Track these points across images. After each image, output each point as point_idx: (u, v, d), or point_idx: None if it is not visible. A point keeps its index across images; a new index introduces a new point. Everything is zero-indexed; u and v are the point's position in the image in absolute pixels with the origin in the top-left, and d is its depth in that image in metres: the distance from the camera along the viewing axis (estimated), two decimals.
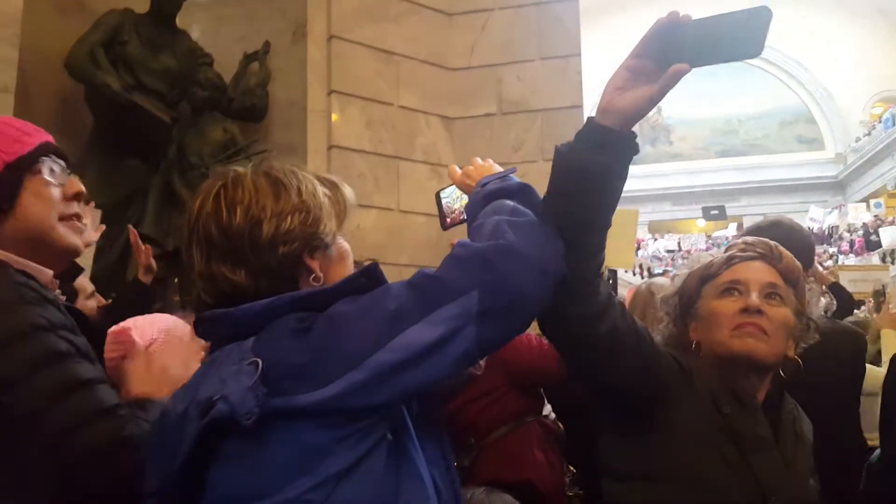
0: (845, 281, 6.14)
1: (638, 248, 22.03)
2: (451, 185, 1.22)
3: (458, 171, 1.18)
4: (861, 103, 24.00)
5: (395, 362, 0.76)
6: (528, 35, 4.25)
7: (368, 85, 4.18)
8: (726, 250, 1.18)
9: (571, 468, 2.05)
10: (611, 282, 4.20)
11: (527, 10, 4.26)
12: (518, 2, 4.26)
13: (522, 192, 0.99)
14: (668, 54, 0.81)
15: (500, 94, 4.38)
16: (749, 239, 1.20)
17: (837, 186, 24.03)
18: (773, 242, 1.18)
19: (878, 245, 17.42)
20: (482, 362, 1.65)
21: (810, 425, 1.17)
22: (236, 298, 0.85)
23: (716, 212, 21.54)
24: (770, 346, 1.06)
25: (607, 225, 0.92)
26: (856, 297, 5.93)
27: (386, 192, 4.10)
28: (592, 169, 0.87)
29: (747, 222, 24.15)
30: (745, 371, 1.08)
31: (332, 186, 0.99)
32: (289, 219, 0.88)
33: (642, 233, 23.82)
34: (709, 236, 22.61)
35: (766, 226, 1.83)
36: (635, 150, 0.89)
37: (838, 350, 1.72)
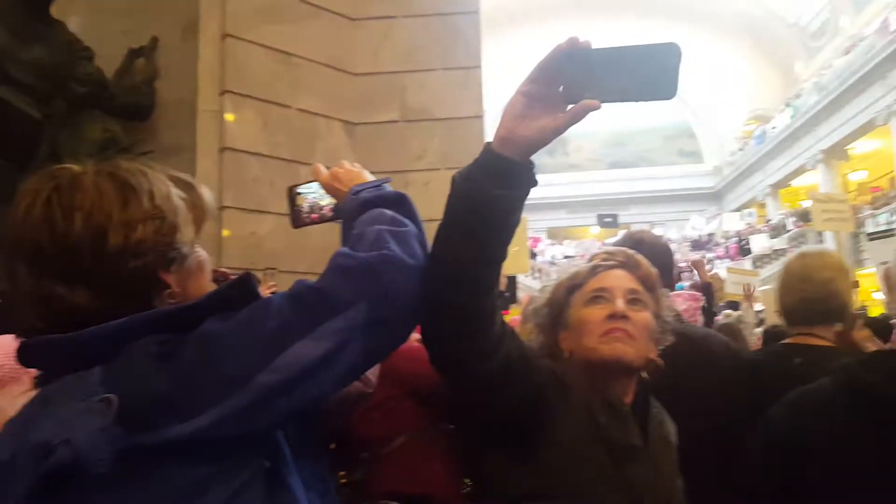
0: (728, 283, 6.61)
1: (535, 255, 22.78)
2: (311, 182, 1.18)
3: (324, 170, 1.14)
4: (736, 120, 26.15)
5: (279, 383, 0.71)
6: (431, 44, 4.26)
7: (265, 86, 4.03)
8: (590, 260, 1.22)
9: (466, 482, 2.01)
10: (507, 292, 4.28)
11: (429, 20, 4.27)
12: (421, 11, 4.27)
13: (400, 203, 0.97)
14: (572, 83, 0.76)
15: (403, 102, 4.36)
16: (610, 249, 1.25)
17: (715, 197, 25.97)
18: (631, 251, 1.24)
19: (750, 251, 18.98)
20: (373, 379, 1.60)
21: (674, 427, 1.21)
22: (74, 322, 0.73)
23: (609, 220, 22.68)
24: (636, 350, 1.10)
25: (504, 258, 0.89)
26: (731, 298, 6.38)
27: (282, 197, 3.94)
28: (494, 204, 0.83)
29: (636, 230, 25.67)
30: (615, 375, 1.11)
31: (188, 187, 0.89)
32: (140, 228, 0.76)
33: (543, 238, 24.65)
34: (602, 243, 23.70)
35: (629, 241, 1.88)
36: (535, 182, 0.85)
37: (711, 353, 1.77)
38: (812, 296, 1.71)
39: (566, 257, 23.22)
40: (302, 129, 4.13)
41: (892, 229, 10.47)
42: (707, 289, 4.43)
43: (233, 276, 0.87)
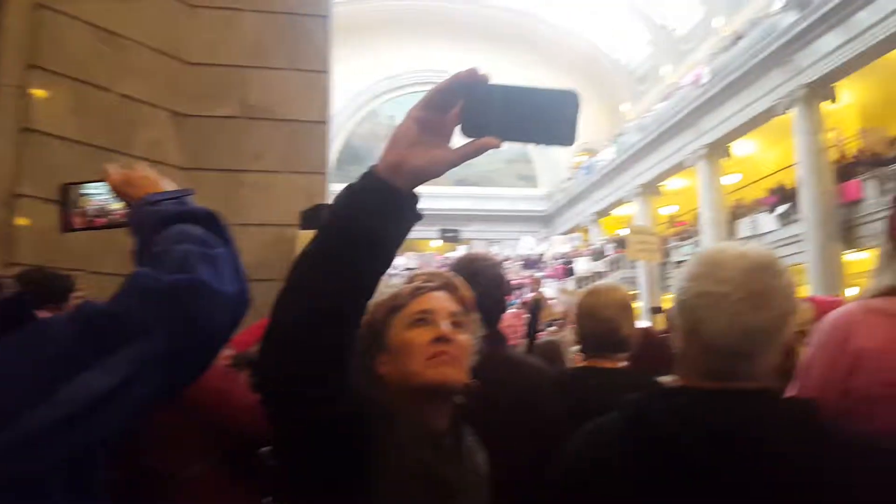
0: (556, 303, 7.09)
1: None
2: (97, 182, 1.07)
3: (117, 171, 1.03)
4: (568, 151, 28.33)
5: (61, 418, 0.62)
6: (278, 42, 4.11)
7: (83, 65, 3.63)
8: (410, 281, 1.18)
9: None
10: None
11: (277, 18, 4.12)
12: (268, 6, 4.10)
13: (210, 221, 0.89)
14: (471, 117, 0.71)
15: (243, 98, 4.15)
16: (430, 270, 1.23)
17: (547, 220, 27.90)
18: (450, 273, 1.24)
19: (573, 273, 20.61)
20: None
21: (485, 456, 1.19)
22: None
23: (451, 234, 23.42)
24: (460, 373, 1.09)
25: (375, 290, 0.84)
26: (557, 317, 6.84)
27: None
28: (376, 236, 0.76)
29: (476, 246, 26.74)
30: (438, 401, 1.09)
31: None
32: None
33: None
34: (441, 256, 24.33)
35: (465, 268, 1.88)
36: (420, 216, 0.79)
37: (526, 378, 1.83)
38: (598, 330, 1.97)
39: (407, 269, 23.57)
40: (121, 115, 3.77)
41: None
42: (535, 306, 4.71)
43: (6, 291, 0.75)
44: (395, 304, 1.14)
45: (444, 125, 0.74)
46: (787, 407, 1.06)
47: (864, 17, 11.25)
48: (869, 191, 11.66)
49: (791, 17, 12.98)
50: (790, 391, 1.26)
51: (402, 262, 23.66)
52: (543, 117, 0.71)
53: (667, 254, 18.30)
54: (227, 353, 1.92)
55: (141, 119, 3.88)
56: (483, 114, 0.71)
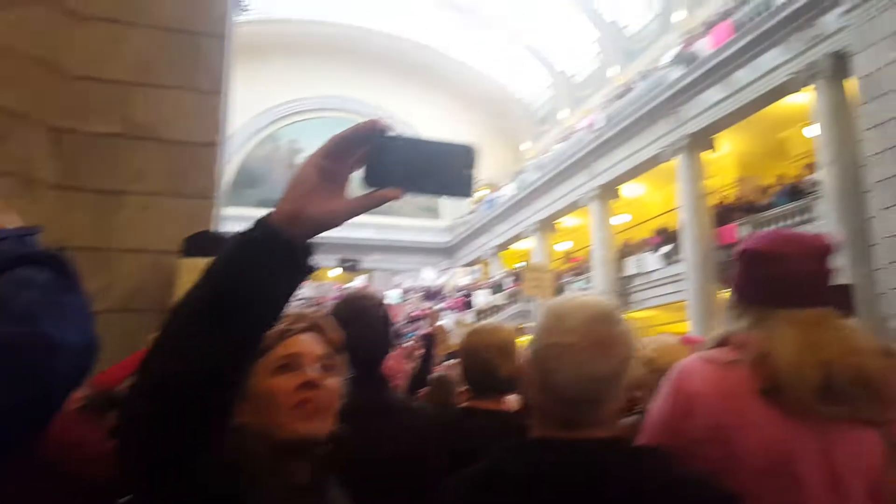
0: (454, 336, 7.11)
1: None
2: None
3: None
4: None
5: None
6: (169, 60, 3.94)
7: None
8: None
9: None
10: None
11: (169, 35, 3.96)
12: (160, 22, 3.94)
13: (55, 265, 0.81)
14: (373, 167, 0.72)
15: (127, 115, 3.92)
16: (297, 312, 1.16)
17: (448, 252, 28.24)
18: (319, 314, 1.19)
19: (472, 305, 20.92)
20: None
21: None
22: None
23: (351, 264, 23.19)
24: (327, 423, 1.04)
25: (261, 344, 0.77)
26: (455, 349, 6.87)
27: None
28: (268, 292, 0.71)
29: (377, 276, 26.60)
30: (303, 453, 1.03)
31: None
32: None
33: None
34: (339, 286, 23.97)
35: (347, 310, 1.84)
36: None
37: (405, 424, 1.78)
38: (479, 371, 1.98)
39: (302, 299, 23.00)
40: None
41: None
42: (429, 340, 4.71)
43: None
44: (259, 349, 1.08)
45: (343, 174, 0.72)
46: (637, 456, 1.13)
47: (742, 76, 12.40)
48: (744, 235, 12.71)
49: (678, 71, 14.09)
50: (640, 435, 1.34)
51: (302, 291, 23.12)
52: (442, 169, 0.72)
53: (562, 289, 19.00)
54: (82, 392, 1.77)
55: (9, 132, 3.58)
56: (385, 164, 0.71)
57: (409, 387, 4.50)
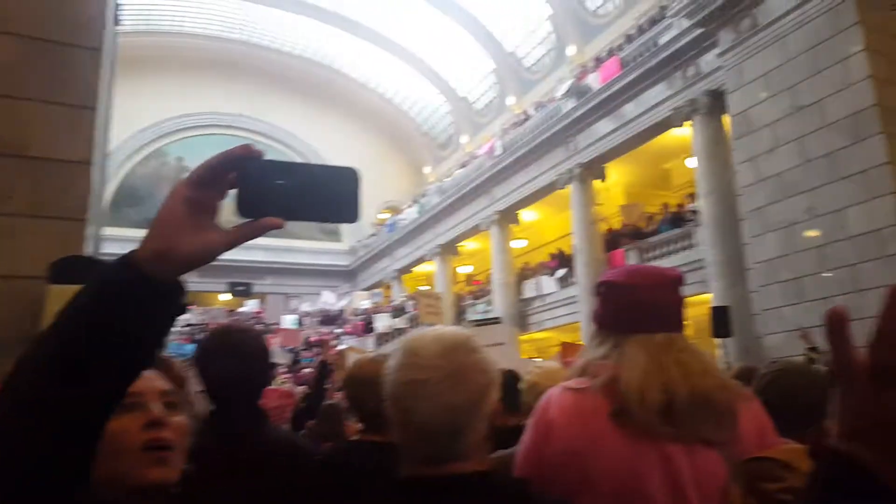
0: (349, 363, 6.98)
1: None
2: None
3: None
4: (372, 208, 28.92)
5: None
6: (35, 72, 3.67)
7: None
8: None
9: None
10: None
11: (37, 45, 3.69)
12: (26, 31, 3.67)
13: None
14: (248, 195, 0.67)
15: None
16: None
17: (349, 275, 27.91)
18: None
19: (373, 329, 20.73)
20: None
21: None
22: None
23: (242, 288, 22.34)
24: (177, 465, 0.99)
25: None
26: None
27: None
28: (131, 341, 0.65)
29: (271, 300, 25.80)
30: (152, 497, 0.97)
31: None
32: None
33: None
34: (231, 311, 23.06)
35: (217, 334, 1.81)
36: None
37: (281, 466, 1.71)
38: (366, 405, 1.90)
39: (189, 325, 21.87)
40: None
41: (487, 319, 12.69)
42: (324, 367, 4.59)
43: None
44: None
45: (213, 204, 0.67)
46: (503, 487, 1.15)
47: (630, 109, 13.22)
48: (631, 259, 13.43)
49: (571, 103, 14.81)
50: None
51: (188, 316, 21.99)
52: (325, 194, 0.69)
53: (464, 311, 19.28)
54: None
55: None
56: (261, 192, 0.67)
57: (296, 417, 4.36)
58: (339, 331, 21.88)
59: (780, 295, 8.99)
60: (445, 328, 1.19)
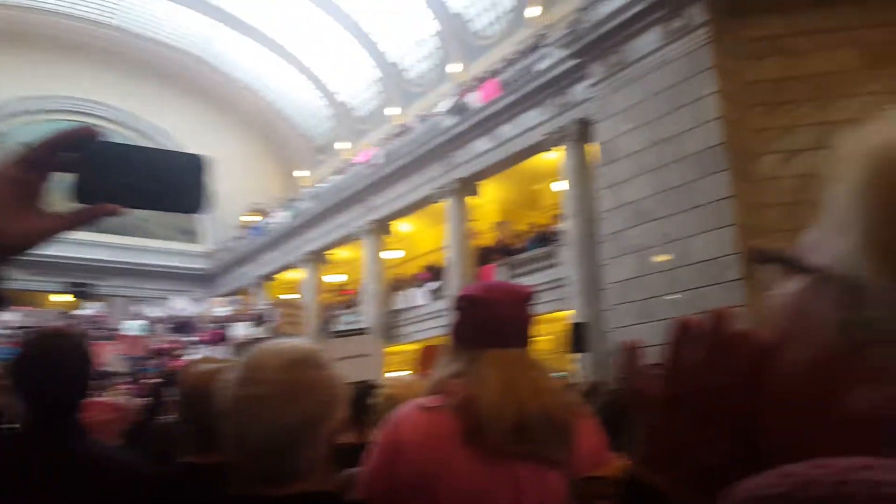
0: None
1: None
2: None
3: None
4: (237, 209, 27.79)
5: None
6: None
7: None
8: None
9: None
10: None
11: None
12: None
13: None
14: (83, 178, 0.63)
15: None
16: None
17: (207, 279, 26.51)
18: None
19: (230, 338, 19.84)
20: None
21: None
22: None
23: (82, 289, 20.46)
24: None
25: None
26: None
27: None
28: None
29: (117, 302, 23.91)
30: None
31: None
32: None
33: None
34: (64, 313, 21.13)
35: (34, 338, 1.72)
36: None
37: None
38: (199, 423, 1.79)
39: (21, 327, 19.75)
40: None
41: (352, 329, 12.57)
42: (167, 378, 4.26)
43: None
44: None
45: (37, 186, 0.62)
46: None
47: (506, 130, 13.82)
48: (501, 275, 13.96)
49: (452, 120, 15.23)
50: None
51: (15, 318, 19.84)
52: (166, 181, 0.66)
53: (330, 320, 19.01)
54: None
55: None
56: (98, 177, 0.63)
57: (130, 432, 4.03)
58: (192, 339, 20.70)
59: (633, 314, 9.75)
60: (291, 341, 1.16)
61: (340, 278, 21.51)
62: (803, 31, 9.35)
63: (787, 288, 0.48)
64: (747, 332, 0.51)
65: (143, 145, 0.68)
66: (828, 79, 9.17)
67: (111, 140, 0.65)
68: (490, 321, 1.40)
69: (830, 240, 0.44)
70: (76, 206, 0.63)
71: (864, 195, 0.42)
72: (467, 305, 1.46)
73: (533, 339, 1.46)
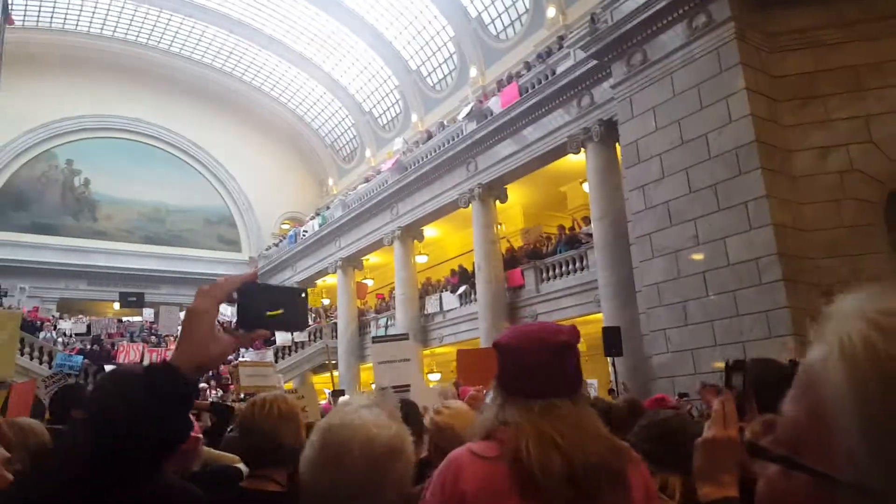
0: (244, 376, 6.20)
1: (41, 328, 18.82)
2: None
3: None
4: (273, 218, 27.68)
5: None
6: None
7: None
8: None
9: None
10: None
11: None
12: None
13: None
14: (247, 311, 0.88)
15: None
16: None
17: None
18: None
19: (274, 342, 19.64)
20: None
21: None
22: None
23: (133, 299, 20.50)
24: None
25: None
26: (247, 390, 6.01)
27: None
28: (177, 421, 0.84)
29: (164, 311, 23.94)
30: None
31: None
32: None
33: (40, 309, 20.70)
34: (120, 321, 21.20)
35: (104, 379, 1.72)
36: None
37: None
38: (258, 444, 1.81)
39: (77, 335, 19.87)
40: None
41: (393, 335, 12.11)
42: (218, 382, 3.95)
43: None
44: None
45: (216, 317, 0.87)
46: None
47: (529, 133, 13.16)
48: (529, 279, 13.37)
49: (472, 125, 14.63)
50: None
51: (68, 326, 19.92)
52: (289, 308, 0.92)
53: (365, 324, 18.66)
54: None
55: None
56: (252, 308, 0.89)
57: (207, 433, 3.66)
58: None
59: (667, 317, 9.10)
60: (375, 424, 1.15)
61: (371, 282, 21.13)
62: (833, 22, 8.55)
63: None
64: None
65: (276, 284, 1.04)
66: (863, 70, 8.37)
67: (258, 283, 0.90)
68: (526, 372, 1.33)
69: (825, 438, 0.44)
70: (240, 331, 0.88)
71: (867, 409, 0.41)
72: (502, 354, 1.39)
73: (578, 382, 1.37)
